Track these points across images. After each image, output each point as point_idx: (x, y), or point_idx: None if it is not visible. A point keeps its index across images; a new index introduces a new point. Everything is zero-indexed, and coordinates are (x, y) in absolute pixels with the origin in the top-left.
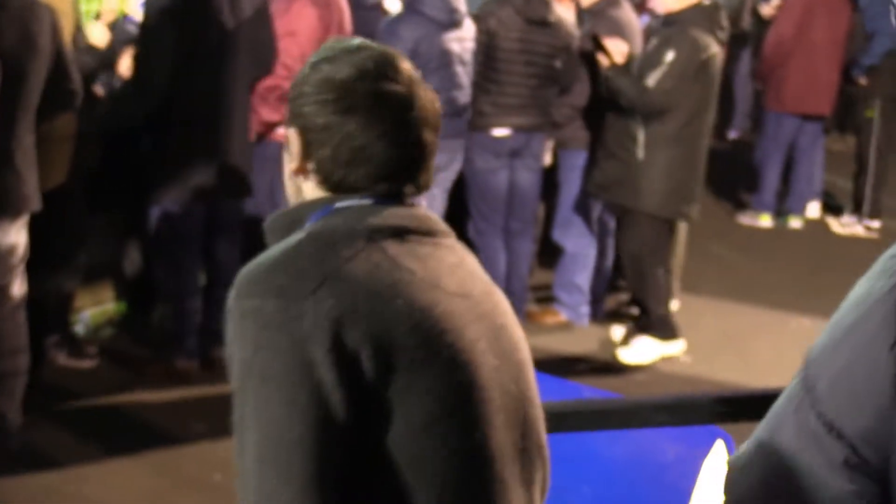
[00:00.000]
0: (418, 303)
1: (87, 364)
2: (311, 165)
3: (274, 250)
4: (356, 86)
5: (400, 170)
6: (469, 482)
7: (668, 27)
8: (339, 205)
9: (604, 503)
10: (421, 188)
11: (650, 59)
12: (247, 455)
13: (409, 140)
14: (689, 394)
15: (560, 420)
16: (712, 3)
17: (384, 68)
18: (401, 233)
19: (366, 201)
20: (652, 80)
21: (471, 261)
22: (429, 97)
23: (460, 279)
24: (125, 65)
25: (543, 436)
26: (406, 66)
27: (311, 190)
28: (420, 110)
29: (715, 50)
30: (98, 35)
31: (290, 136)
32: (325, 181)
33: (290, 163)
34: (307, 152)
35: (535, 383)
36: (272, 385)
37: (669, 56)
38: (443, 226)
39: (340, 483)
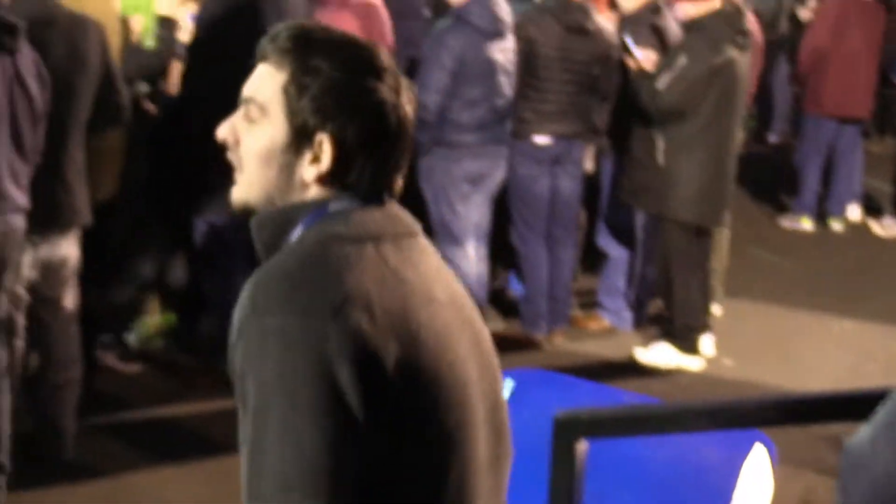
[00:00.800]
0: (423, 319)
1: (133, 369)
2: (329, 172)
3: (287, 260)
4: (367, 86)
5: (392, 171)
6: (454, 495)
7: (688, 33)
8: (332, 207)
9: None
10: (397, 190)
11: (666, 64)
12: (265, 480)
13: (402, 141)
14: (729, 399)
15: (601, 426)
16: (733, 8)
17: (385, 66)
18: (397, 238)
19: (356, 203)
20: (662, 83)
21: (441, 259)
22: (412, 97)
23: (446, 284)
24: (175, 75)
25: (510, 439)
26: (391, 61)
27: (304, 186)
28: (411, 109)
29: (732, 55)
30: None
31: (319, 140)
32: (329, 180)
33: (284, 158)
34: (337, 159)
35: (502, 384)
36: (300, 411)
37: (682, 61)
38: (417, 224)
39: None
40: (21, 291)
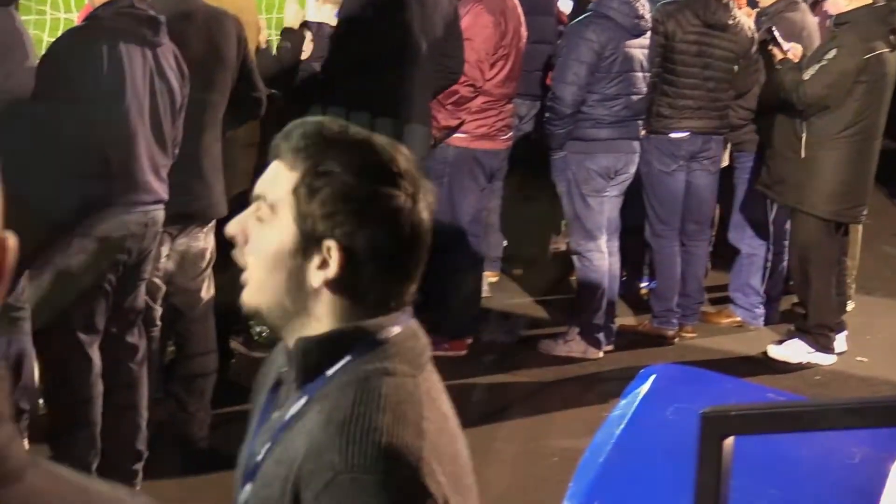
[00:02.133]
0: (459, 456)
1: (256, 354)
2: (338, 279)
3: (369, 411)
4: (380, 192)
5: (407, 280)
6: None
7: (838, 27)
8: (379, 335)
9: None
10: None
11: (814, 56)
12: None
13: (417, 249)
14: (878, 397)
15: (749, 422)
16: (885, 4)
17: (401, 170)
18: (429, 358)
19: (395, 326)
20: (808, 73)
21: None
22: (431, 202)
23: (446, 398)
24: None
25: None
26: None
27: (314, 292)
28: (428, 215)
29: (883, 52)
30: (292, 16)
31: (327, 246)
32: (338, 288)
33: (293, 258)
34: (346, 266)
35: None
36: None
37: (830, 54)
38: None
39: None
40: (159, 282)
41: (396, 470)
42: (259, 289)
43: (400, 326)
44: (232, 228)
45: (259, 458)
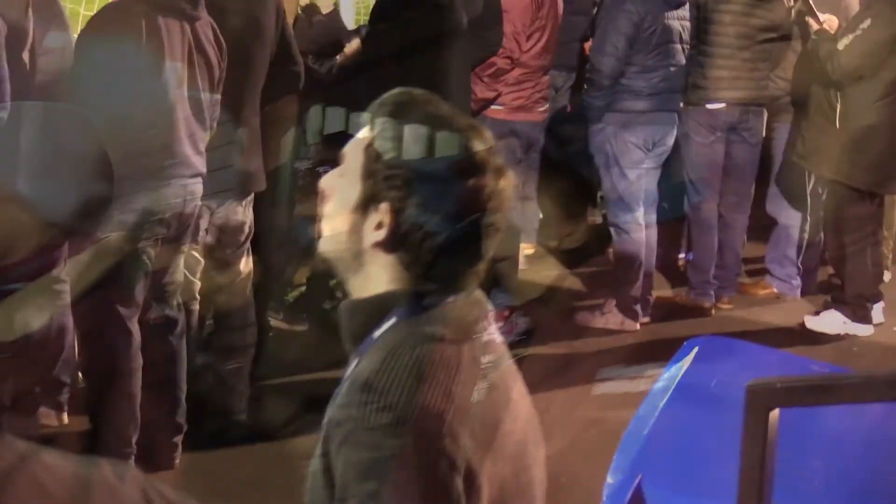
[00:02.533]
0: (507, 428)
1: (300, 328)
2: (388, 243)
3: (397, 368)
4: (445, 167)
5: (468, 260)
6: None
7: None
8: (427, 300)
9: (836, 477)
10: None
11: (849, 26)
12: None
13: (478, 230)
14: None
15: (795, 395)
16: None
17: (475, 151)
18: (482, 329)
19: (446, 295)
20: (842, 44)
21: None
22: (504, 188)
23: (509, 366)
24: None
25: None
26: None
27: (370, 251)
28: (497, 201)
29: None
30: None
31: (383, 208)
32: (390, 251)
33: (351, 217)
34: (395, 232)
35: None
36: None
37: (865, 23)
38: (489, 303)
39: None
40: (197, 255)
41: (414, 427)
42: (328, 239)
43: (455, 294)
44: (323, 182)
45: (325, 421)
